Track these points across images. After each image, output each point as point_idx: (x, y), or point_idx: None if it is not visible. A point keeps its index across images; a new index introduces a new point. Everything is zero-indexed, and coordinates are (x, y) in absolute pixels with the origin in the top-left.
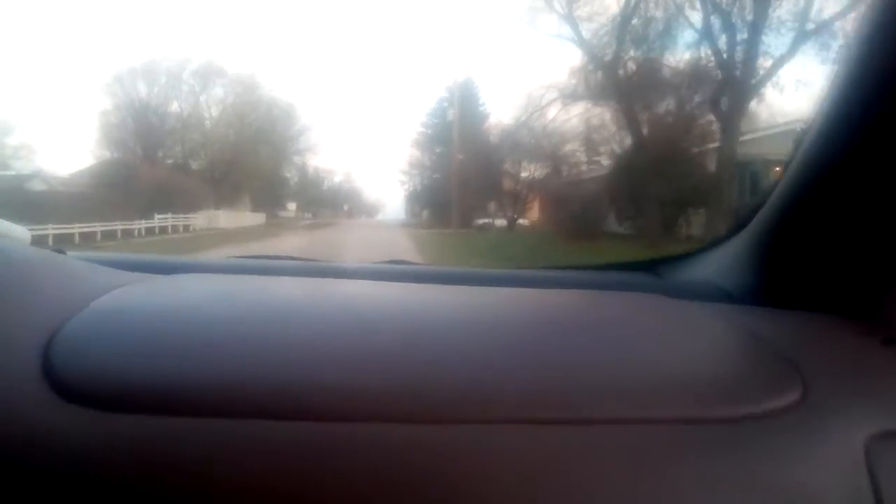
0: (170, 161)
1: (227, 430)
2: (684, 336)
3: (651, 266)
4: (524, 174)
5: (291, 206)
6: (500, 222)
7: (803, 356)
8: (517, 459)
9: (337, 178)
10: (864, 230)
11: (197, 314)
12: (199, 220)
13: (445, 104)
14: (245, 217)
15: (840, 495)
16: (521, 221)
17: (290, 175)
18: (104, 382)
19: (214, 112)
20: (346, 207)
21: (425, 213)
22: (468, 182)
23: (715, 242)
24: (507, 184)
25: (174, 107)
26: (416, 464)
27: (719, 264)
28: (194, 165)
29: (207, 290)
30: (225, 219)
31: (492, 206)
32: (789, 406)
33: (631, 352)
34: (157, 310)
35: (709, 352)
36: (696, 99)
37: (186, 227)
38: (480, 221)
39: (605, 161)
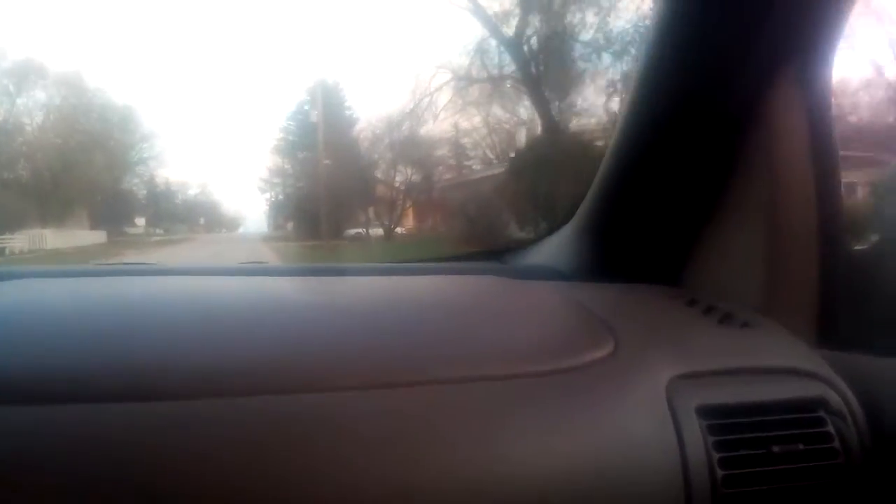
0: None
1: (70, 415)
2: (517, 307)
3: (497, 254)
4: (401, 177)
5: (140, 221)
6: (377, 231)
7: (616, 317)
8: (375, 421)
9: (192, 191)
10: (665, 212)
11: (32, 314)
12: (19, 241)
13: (307, 107)
14: (81, 236)
15: (648, 430)
16: (398, 230)
17: (136, 188)
18: None
19: (37, 118)
20: (202, 221)
21: (290, 225)
22: (337, 189)
23: (551, 230)
24: (382, 189)
25: None
26: (274, 433)
27: (554, 249)
28: (13, 178)
29: (47, 293)
30: (54, 239)
31: (366, 214)
32: (603, 358)
33: (469, 322)
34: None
35: (536, 318)
36: (613, 85)
37: (1, 251)
38: (353, 231)
39: (506, 157)
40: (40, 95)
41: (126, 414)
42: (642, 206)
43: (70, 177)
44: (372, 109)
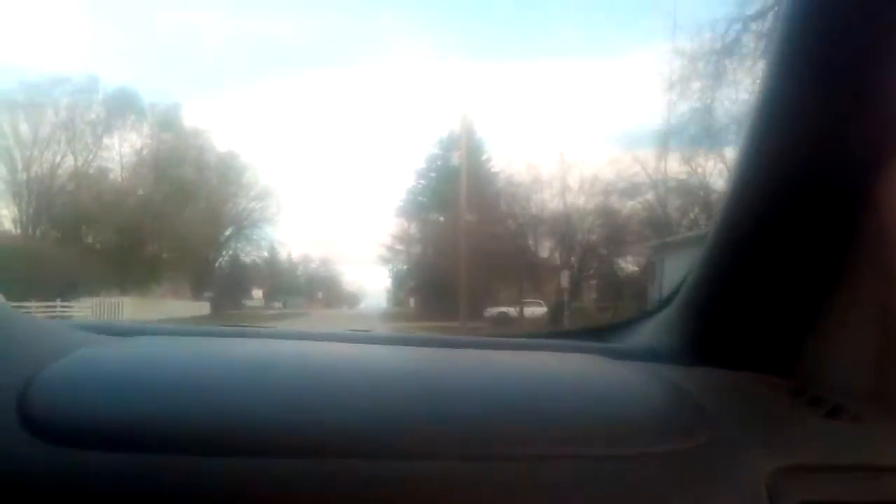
0: (56, 232)
1: (182, 467)
2: (614, 388)
3: (600, 332)
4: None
5: (258, 293)
6: (532, 311)
7: (715, 403)
8: (468, 491)
9: (313, 265)
10: (775, 298)
11: (156, 365)
12: (81, 310)
13: (439, 162)
14: (174, 307)
15: None
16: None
17: (254, 257)
18: (76, 422)
19: (127, 160)
20: (319, 295)
21: (413, 301)
22: (478, 256)
23: (653, 310)
24: (539, 256)
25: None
26: (370, 497)
27: (657, 329)
28: (91, 232)
29: (171, 348)
30: (134, 309)
31: (519, 287)
32: (699, 445)
33: (566, 400)
34: (122, 362)
35: (633, 400)
36: None
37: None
38: (495, 311)
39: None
40: (131, 136)
41: (227, 467)
42: (748, 291)
43: (166, 233)
44: (516, 163)
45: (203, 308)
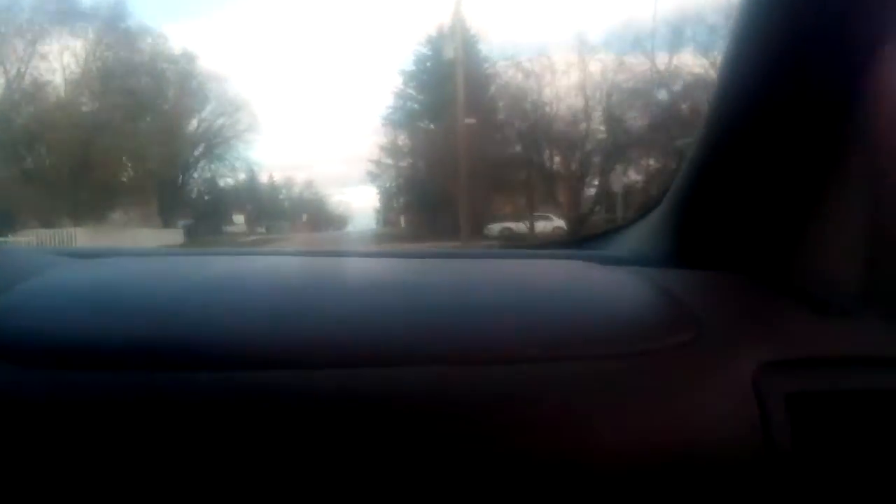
0: None
1: (151, 382)
2: (599, 291)
3: (586, 240)
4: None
5: (239, 218)
6: (543, 225)
7: (701, 303)
8: (455, 396)
9: (296, 188)
10: (762, 198)
11: (124, 285)
12: (27, 240)
13: (428, 63)
14: (138, 236)
15: (732, 417)
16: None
17: (233, 182)
18: (41, 342)
19: (70, 71)
20: (304, 218)
21: (404, 220)
22: (479, 166)
23: (639, 217)
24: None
25: None
26: (358, 404)
27: (642, 235)
28: (31, 156)
29: (134, 268)
30: (90, 240)
31: (529, 200)
32: (686, 342)
33: (551, 304)
34: (90, 282)
35: (619, 302)
36: None
37: None
38: (497, 227)
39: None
40: (74, 43)
41: (212, 381)
42: (734, 192)
43: (120, 153)
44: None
45: (176, 236)
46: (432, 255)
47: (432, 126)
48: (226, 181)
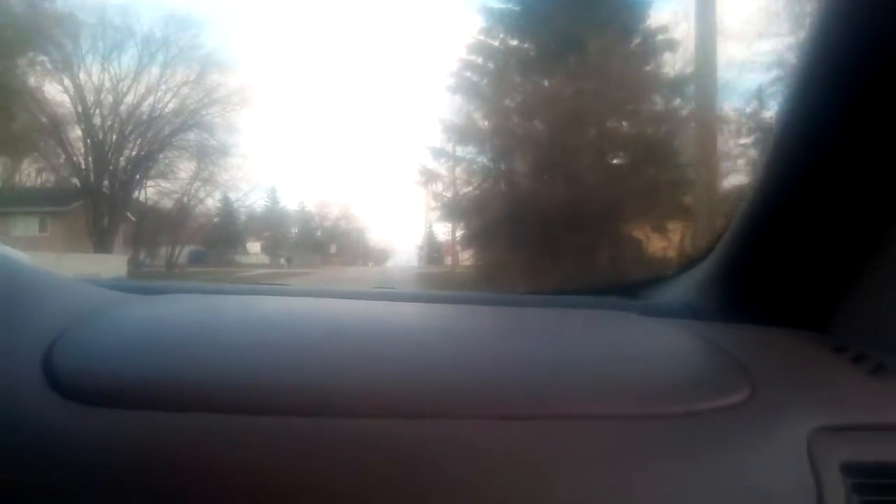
0: None
1: (211, 425)
2: (647, 346)
3: (630, 289)
4: None
5: (254, 247)
6: None
7: (754, 361)
8: (496, 452)
9: (332, 217)
10: (813, 251)
11: (184, 325)
12: None
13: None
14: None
15: (784, 484)
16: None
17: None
18: (100, 381)
19: None
20: (333, 249)
21: (474, 256)
22: (602, 176)
23: (688, 265)
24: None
25: None
26: (398, 456)
27: (691, 285)
28: None
29: (196, 307)
30: None
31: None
32: (737, 404)
33: (597, 358)
34: (149, 321)
35: (668, 358)
36: None
37: None
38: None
39: None
40: None
41: (251, 425)
42: (790, 245)
43: None
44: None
45: (112, 265)
46: (474, 300)
47: (543, 85)
48: (241, 203)
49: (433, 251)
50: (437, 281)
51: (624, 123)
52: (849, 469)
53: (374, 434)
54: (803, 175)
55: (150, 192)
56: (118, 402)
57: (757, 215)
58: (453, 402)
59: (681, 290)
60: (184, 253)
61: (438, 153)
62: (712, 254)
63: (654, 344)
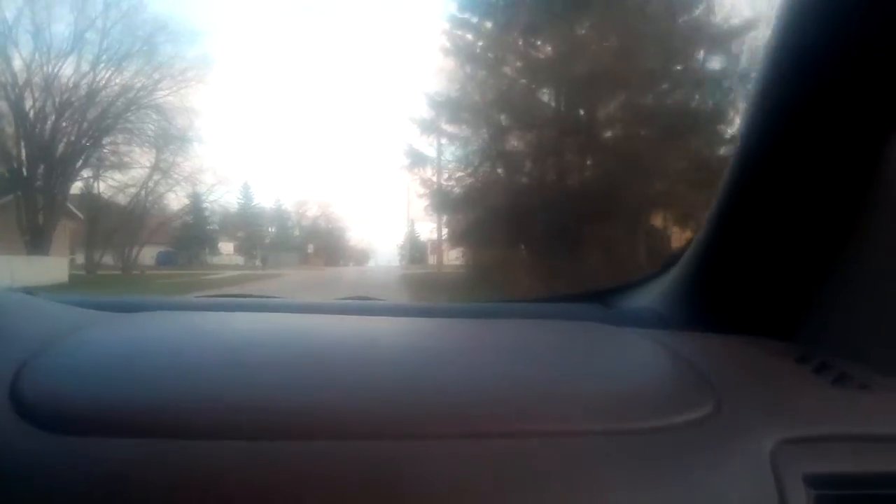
0: None
1: (187, 451)
2: (614, 358)
3: (600, 295)
4: None
5: (227, 247)
6: None
7: (719, 373)
8: (463, 470)
9: (310, 216)
10: (777, 259)
11: (156, 347)
12: None
13: None
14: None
15: (748, 497)
16: None
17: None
18: (69, 408)
19: None
20: (310, 249)
21: (464, 254)
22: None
23: (657, 273)
24: None
25: None
26: (374, 477)
27: (659, 293)
28: None
29: (168, 327)
30: None
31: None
32: (702, 418)
33: (565, 373)
34: (119, 345)
35: (635, 372)
36: None
37: None
38: None
39: None
40: None
41: (225, 450)
42: (755, 254)
43: None
44: None
45: (51, 268)
46: (441, 311)
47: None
48: (208, 198)
49: (416, 251)
50: (420, 283)
51: (659, 90)
52: (812, 481)
53: (343, 456)
54: (767, 182)
55: (102, 186)
56: (90, 430)
57: (722, 222)
58: (419, 423)
59: (649, 298)
60: (152, 255)
61: (428, 127)
62: (681, 260)
63: (620, 357)
